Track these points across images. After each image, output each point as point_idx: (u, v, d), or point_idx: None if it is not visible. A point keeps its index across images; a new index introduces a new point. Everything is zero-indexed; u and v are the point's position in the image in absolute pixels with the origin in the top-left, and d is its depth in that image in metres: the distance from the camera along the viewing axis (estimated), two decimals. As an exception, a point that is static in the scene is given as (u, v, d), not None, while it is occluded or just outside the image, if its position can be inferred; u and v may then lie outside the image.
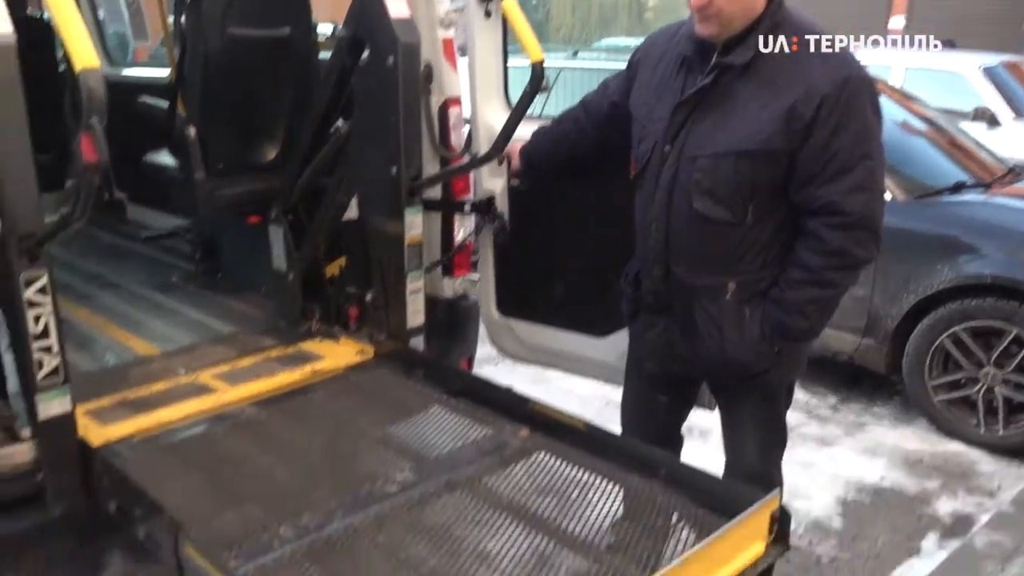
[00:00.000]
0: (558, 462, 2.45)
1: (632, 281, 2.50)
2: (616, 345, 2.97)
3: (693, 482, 2.23)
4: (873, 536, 3.46)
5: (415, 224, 3.03)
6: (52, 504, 2.37)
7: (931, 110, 5.66)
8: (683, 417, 2.77)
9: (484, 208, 3.17)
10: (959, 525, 3.54)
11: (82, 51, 1.85)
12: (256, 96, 3.41)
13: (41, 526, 2.38)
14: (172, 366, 2.99)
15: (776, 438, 2.54)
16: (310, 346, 3.17)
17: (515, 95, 2.88)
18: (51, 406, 2.29)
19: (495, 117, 3.08)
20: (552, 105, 3.24)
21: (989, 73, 8.16)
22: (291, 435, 2.60)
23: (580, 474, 2.39)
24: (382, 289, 3.10)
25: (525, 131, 2.88)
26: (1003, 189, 4.85)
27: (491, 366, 5.15)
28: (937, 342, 4.15)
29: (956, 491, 3.80)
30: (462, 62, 3.20)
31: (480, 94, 3.15)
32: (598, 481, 2.35)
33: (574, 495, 2.30)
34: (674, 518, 2.17)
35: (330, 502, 2.23)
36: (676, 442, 2.80)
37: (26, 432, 2.36)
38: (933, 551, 3.35)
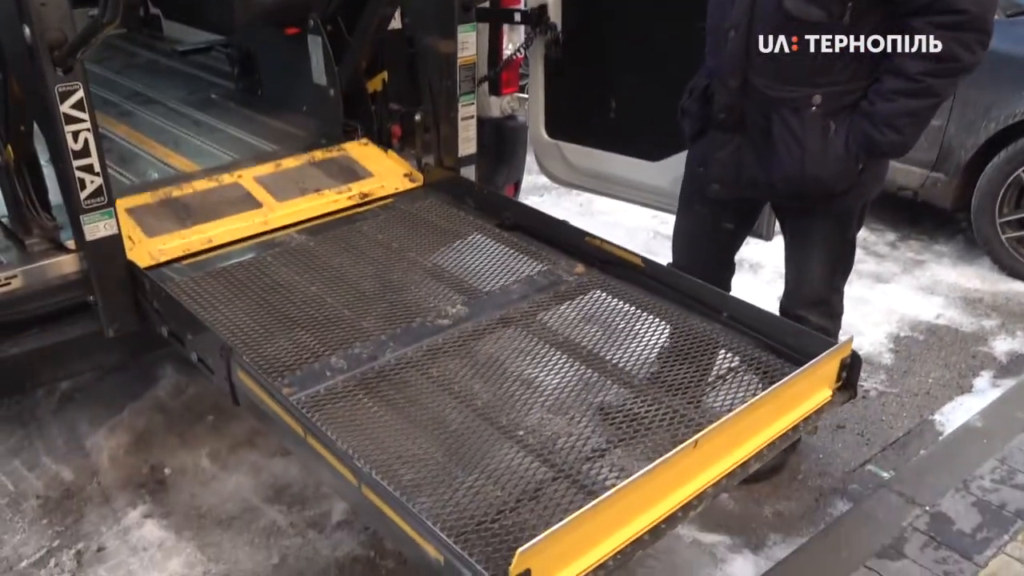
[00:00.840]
0: (614, 300, 2.37)
1: (699, 97, 2.30)
2: (671, 170, 2.83)
3: (758, 325, 2.14)
4: (924, 372, 3.40)
5: (469, 44, 2.82)
6: (106, 326, 2.38)
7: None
8: (740, 244, 2.65)
9: (535, 18, 2.94)
10: (1015, 364, 3.45)
11: None
12: None
13: (93, 336, 2.41)
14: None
15: (844, 262, 2.43)
16: (355, 152, 3.06)
17: None
18: (97, 228, 2.25)
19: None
20: None
21: None
22: (341, 264, 2.54)
23: (638, 314, 2.31)
24: (431, 112, 2.95)
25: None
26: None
27: (536, 196, 5.06)
28: (1013, 176, 3.90)
29: (1014, 331, 3.68)
30: None
31: None
32: (656, 321, 2.27)
33: (631, 336, 2.22)
34: (736, 361, 2.09)
35: (382, 333, 2.19)
36: (730, 270, 2.70)
37: (71, 243, 2.35)
38: (986, 389, 3.28)
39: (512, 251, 2.62)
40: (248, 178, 2.85)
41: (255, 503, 2.62)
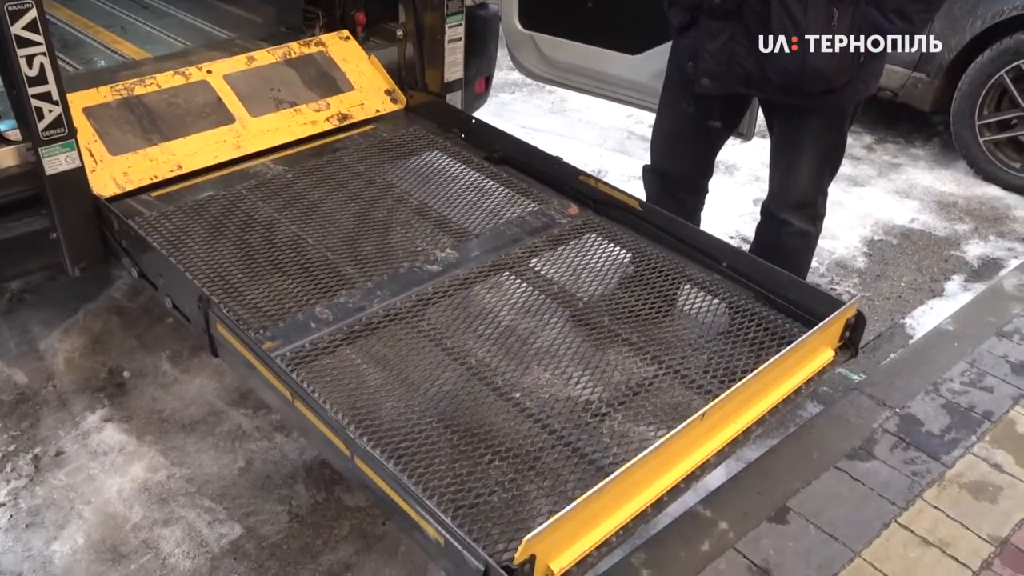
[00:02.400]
0: (610, 246, 2.26)
1: None
2: (651, 63, 2.70)
3: (758, 277, 2.06)
4: (897, 276, 3.39)
5: None
6: (71, 266, 2.25)
7: None
8: (723, 144, 2.54)
9: None
10: (986, 269, 3.45)
11: None
12: None
13: (42, 233, 2.27)
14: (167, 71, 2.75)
15: (833, 162, 2.33)
16: (335, 48, 2.86)
17: None
18: (57, 161, 2.09)
19: None
20: None
21: None
22: (321, 200, 2.38)
23: (634, 261, 2.21)
24: (415, 28, 2.76)
25: None
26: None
27: (507, 94, 4.88)
28: (996, 77, 3.81)
29: (987, 235, 3.67)
30: None
31: None
32: (654, 270, 2.17)
33: (627, 286, 2.13)
34: (737, 316, 2.02)
35: (368, 280, 2.07)
36: (709, 172, 2.61)
37: (11, 134, 2.19)
38: (957, 293, 3.28)
39: (502, 188, 2.49)
40: (218, 76, 2.65)
41: (219, 407, 2.55)
